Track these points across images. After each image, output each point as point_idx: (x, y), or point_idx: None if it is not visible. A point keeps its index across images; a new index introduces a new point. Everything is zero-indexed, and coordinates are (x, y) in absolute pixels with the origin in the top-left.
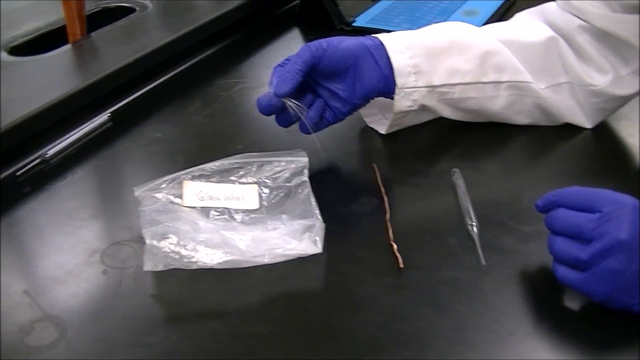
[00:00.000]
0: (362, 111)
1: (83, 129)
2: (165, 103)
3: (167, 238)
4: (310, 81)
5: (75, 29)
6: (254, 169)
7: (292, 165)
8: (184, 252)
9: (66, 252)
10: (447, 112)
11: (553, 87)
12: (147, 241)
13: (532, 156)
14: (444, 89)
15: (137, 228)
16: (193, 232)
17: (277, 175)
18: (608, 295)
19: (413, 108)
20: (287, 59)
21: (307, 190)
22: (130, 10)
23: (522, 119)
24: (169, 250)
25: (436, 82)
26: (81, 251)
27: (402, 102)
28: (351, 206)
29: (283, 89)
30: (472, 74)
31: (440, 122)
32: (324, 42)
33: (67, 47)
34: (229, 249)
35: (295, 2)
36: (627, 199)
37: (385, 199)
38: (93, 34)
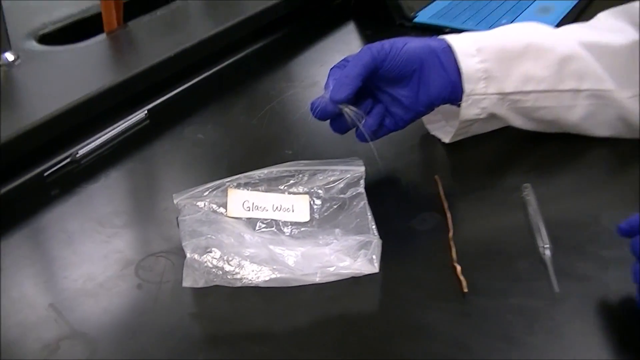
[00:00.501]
0: (425, 117)
1: (118, 127)
2: (208, 101)
3: (210, 252)
4: (370, 85)
5: (111, 17)
6: (305, 177)
7: (348, 175)
8: (227, 267)
9: (97, 263)
10: (519, 122)
11: (638, 97)
12: (188, 254)
13: (613, 172)
14: (517, 97)
15: (176, 239)
16: (238, 245)
17: (331, 185)
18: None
19: (481, 116)
20: (345, 60)
21: (363, 202)
22: None
23: (602, 131)
24: (211, 265)
25: (508, 89)
26: (114, 262)
27: (470, 109)
28: (411, 222)
29: (340, 94)
30: (549, 81)
31: (510, 132)
32: (386, 43)
33: (102, 37)
34: (277, 265)
35: None
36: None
37: (449, 215)
38: (130, 24)
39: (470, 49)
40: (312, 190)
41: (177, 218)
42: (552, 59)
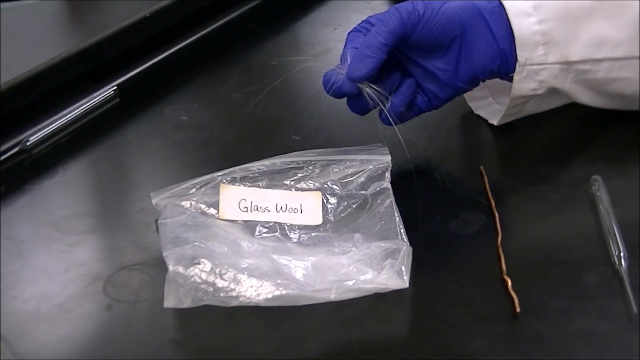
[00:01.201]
0: (467, 93)
1: (79, 107)
2: (193, 74)
3: (198, 263)
4: (399, 55)
5: None
6: (316, 170)
7: (370, 166)
8: (220, 282)
9: (55, 279)
10: (586, 98)
11: None
12: (170, 267)
13: None
14: (585, 67)
15: (154, 248)
16: (233, 255)
17: (349, 179)
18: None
19: (538, 91)
20: (368, 22)
21: (390, 200)
22: None
23: None
24: (199, 281)
25: (574, 57)
26: (76, 278)
27: (524, 83)
28: (449, 224)
29: (359, 71)
30: (627, 44)
31: (575, 111)
32: (419, 3)
33: None
34: (282, 279)
35: None
36: None
37: (497, 215)
38: None
39: (525, 5)
40: (326, 185)
41: (156, 221)
42: (632, 16)
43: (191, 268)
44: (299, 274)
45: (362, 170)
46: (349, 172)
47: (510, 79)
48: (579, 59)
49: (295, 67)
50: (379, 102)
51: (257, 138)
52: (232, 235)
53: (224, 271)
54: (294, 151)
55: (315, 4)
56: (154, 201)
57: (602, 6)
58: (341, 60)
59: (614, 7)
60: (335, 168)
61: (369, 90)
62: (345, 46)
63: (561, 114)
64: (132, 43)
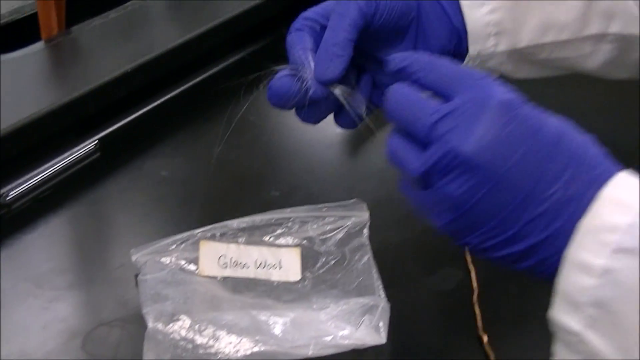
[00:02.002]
0: None
1: (60, 161)
2: (174, 128)
3: (177, 320)
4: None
5: (50, 20)
6: (295, 226)
7: (348, 223)
8: (199, 339)
9: (34, 335)
10: (524, 73)
11: None
12: (150, 323)
13: None
14: (530, 50)
15: (134, 304)
16: (213, 311)
17: (328, 235)
18: (449, 229)
19: None
20: (310, 19)
21: (368, 257)
22: None
23: (620, 75)
24: (178, 337)
25: (522, 44)
26: (55, 334)
27: None
28: (427, 280)
29: (332, 72)
30: (572, 27)
31: None
32: None
33: (39, 45)
34: (261, 335)
35: None
36: (495, 90)
37: (473, 271)
38: (75, 29)
39: None
40: (304, 241)
41: (136, 277)
42: None
43: (171, 324)
44: (277, 330)
45: (340, 227)
46: (328, 228)
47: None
48: (526, 45)
49: (275, 122)
50: (354, 107)
51: (237, 193)
52: (212, 292)
53: (203, 327)
54: (274, 206)
55: None
56: (133, 258)
57: None
58: (290, 63)
59: None
60: (314, 224)
61: (339, 92)
62: (293, 48)
63: None
64: (114, 97)
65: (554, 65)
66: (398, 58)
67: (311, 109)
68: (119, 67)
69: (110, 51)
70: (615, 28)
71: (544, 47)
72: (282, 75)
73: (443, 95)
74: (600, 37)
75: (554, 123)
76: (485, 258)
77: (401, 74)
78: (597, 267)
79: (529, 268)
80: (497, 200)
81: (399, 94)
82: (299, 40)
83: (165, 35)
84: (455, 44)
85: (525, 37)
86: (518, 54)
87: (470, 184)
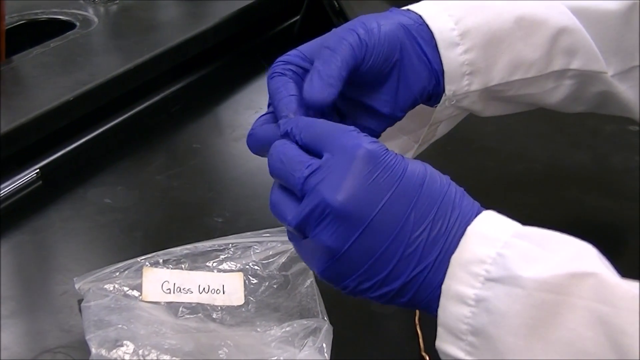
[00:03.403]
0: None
1: (1, 191)
2: (117, 157)
3: (121, 345)
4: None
5: None
6: (238, 251)
7: (290, 247)
8: None
9: None
10: (491, 110)
11: (622, 74)
12: (93, 350)
13: None
14: (499, 88)
15: (78, 330)
16: (156, 336)
17: (270, 260)
18: (327, 274)
19: (453, 114)
20: (289, 63)
21: (310, 280)
22: (68, 26)
23: (574, 108)
24: None
25: (493, 82)
26: None
27: (445, 111)
28: (369, 304)
29: (326, 96)
30: (538, 64)
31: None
32: (359, 27)
33: None
34: (204, 358)
35: (293, 20)
36: (359, 142)
37: None
38: (15, 58)
39: (452, 33)
40: (247, 266)
41: (79, 304)
42: (545, 35)
43: (114, 350)
44: (221, 354)
45: (283, 251)
46: (270, 253)
47: (429, 104)
48: (497, 83)
49: (218, 149)
50: None
51: (181, 220)
52: (155, 317)
53: (146, 352)
54: (217, 233)
55: (237, 88)
56: (77, 286)
57: (521, 26)
58: (278, 112)
59: (530, 25)
60: (257, 249)
61: None
62: (277, 94)
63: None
64: (56, 126)
65: (520, 102)
66: (282, 123)
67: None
68: (60, 96)
69: (51, 80)
70: (576, 64)
71: (512, 84)
72: (263, 122)
73: (316, 151)
74: (562, 73)
75: (417, 168)
76: (364, 298)
77: (286, 137)
78: (471, 296)
79: (407, 303)
80: (367, 245)
81: (278, 150)
82: (283, 86)
83: (106, 64)
84: (434, 84)
85: (497, 76)
86: (488, 92)
87: (341, 231)
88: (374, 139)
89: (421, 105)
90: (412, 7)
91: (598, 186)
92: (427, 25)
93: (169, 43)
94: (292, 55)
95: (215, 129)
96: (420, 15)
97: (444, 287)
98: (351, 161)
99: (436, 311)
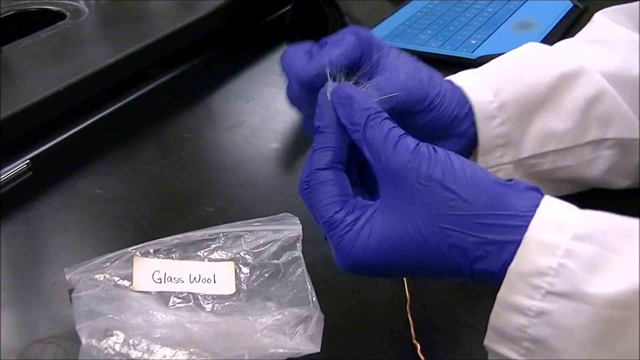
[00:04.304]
0: None
1: None
2: (108, 147)
3: (111, 335)
4: None
5: None
6: (229, 241)
7: (281, 236)
8: (133, 353)
9: None
10: None
11: None
12: (84, 340)
13: None
14: (533, 161)
15: (68, 320)
16: (147, 326)
17: (261, 249)
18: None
19: None
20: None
21: (302, 269)
22: (59, 17)
23: (620, 183)
24: (113, 352)
25: (525, 154)
26: None
27: None
28: (360, 291)
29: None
30: (571, 135)
31: None
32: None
33: None
34: (195, 347)
35: (284, 10)
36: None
37: (405, 281)
38: (5, 48)
39: (491, 106)
40: (238, 255)
41: (70, 294)
42: (577, 104)
43: (104, 340)
44: (212, 342)
45: (273, 240)
46: (261, 242)
47: None
48: (529, 155)
49: (209, 139)
50: None
51: (171, 210)
52: (146, 307)
53: (137, 342)
54: (208, 222)
55: (228, 78)
56: (67, 276)
57: (550, 97)
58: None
59: (560, 96)
60: (248, 238)
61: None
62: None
63: None
64: (46, 117)
65: (559, 177)
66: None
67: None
68: (50, 87)
69: (42, 71)
70: (612, 133)
71: (546, 156)
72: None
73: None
74: (599, 143)
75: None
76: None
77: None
78: (530, 308)
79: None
80: None
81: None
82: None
83: (97, 55)
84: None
85: (528, 147)
86: (523, 167)
87: None
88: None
89: None
90: (453, 77)
91: None
92: (467, 100)
93: (160, 33)
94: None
95: (207, 118)
96: (460, 88)
97: (499, 295)
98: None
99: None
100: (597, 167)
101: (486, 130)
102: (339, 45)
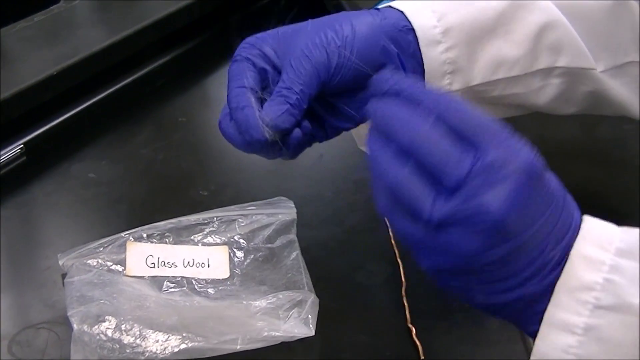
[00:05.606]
0: (354, 132)
1: None
2: (101, 131)
3: (103, 321)
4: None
5: None
6: (223, 225)
7: (276, 220)
8: (126, 339)
9: None
10: None
11: (613, 70)
12: (75, 326)
13: None
14: (482, 88)
15: (61, 305)
16: (139, 311)
17: (255, 233)
18: (438, 273)
19: None
20: (255, 47)
21: (296, 253)
22: (52, 0)
23: (570, 110)
24: (105, 338)
25: (475, 81)
26: None
27: None
28: (355, 275)
29: (287, 122)
30: (522, 62)
31: None
32: (330, 44)
33: None
34: (188, 332)
35: None
36: (527, 153)
37: (401, 265)
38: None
39: (434, 31)
40: (232, 239)
41: (63, 279)
42: (528, 32)
43: (96, 326)
44: (205, 326)
45: (268, 224)
46: (256, 226)
47: None
48: (479, 82)
49: (202, 122)
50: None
51: (166, 194)
52: (139, 291)
53: (129, 327)
54: (202, 206)
55: (222, 61)
56: (61, 262)
57: (502, 22)
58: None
59: (511, 21)
60: (242, 222)
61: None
62: (232, 82)
63: None
64: (39, 101)
65: (507, 103)
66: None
67: (266, 151)
68: (44, 70)
69: (35, 54)
70: (563, 62)
71: (496, 84)
72: (223, 116)
73: (468, 139)
74: (548, 72)
75: (559, 189)
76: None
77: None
78: (579, 325)
79: (502, 315)
80: (503, 259)
81: (423, 128)
82: (242, 73)
83: (91, 38)
84: None
85: (478, 75)
86: (471, 93)
87: (488, 243)
88: (532, 149)
89: None
90: (394, 3)
91: (586, 155)
92: (413, 31)
93: (154, 16)
94: (260, 38)
95: (201, 102)
96: (402, 12)
97: (547, 314)
98: (519, 173)
99: (530, 328)
100: (545, 94)
101: (431, 56)
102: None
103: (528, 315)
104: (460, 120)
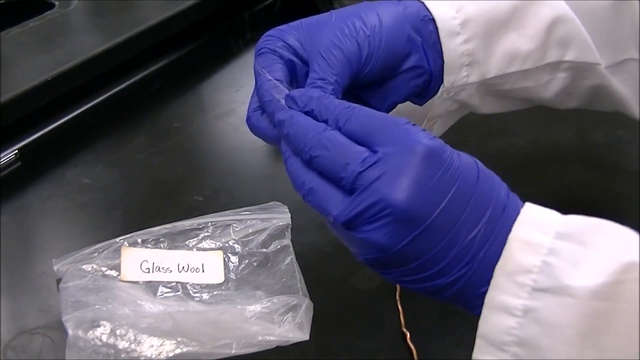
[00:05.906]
0: None
1: None
2: (96, 136)
3: (98, 326)
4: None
5: None
6: (218, 230)
7: (270, 225)
8: (121, 344)
9: None
10: (487, 107)
11: (614, 67)
12: (70, 331)
13: None
14: (496, 81)
15: (56, 310)
16: (134, 316)
17: (250, 238)
18: (371, 264)
19: (450, 108)
20: (274, 36)
21: (291, 258)
22: (47, 6)
23: (569, 104)
24: (100, 343)
25: (491, 74)
26: None
27: (443, 104)
28: (350, 280)
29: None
30: (534, 56)
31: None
32: (361, 37)
33: None
34: (183, 337)
35: None
36: (419, 138)
37: None
38: None
39: (454, 22)
40: (227, 244)
41: (58, 284)
42: (540, 26)
43: (91, 331)
44: (200, 331)
45: (262, 229)
46: (250, 231)
47: (418, 102)
48: (494, 75)
49: (197, 127)
50: None
51: (161, 199)
52: (133, 297)
53: (124, 332)
54: (197, 211)
55: (217, 66)
56: (55, 267)
57: (514, 16)
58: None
59: (524, 14)
60: (237, 227)
61: None
62: (260, 77)
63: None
64: (34, 107)
65: (515, 97)
66: (316, 104)
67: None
68: (39, 76)
69: (30, 60)
70: (570, 55)
71: (509, 77)
72: (252, 111)
73: (364, 143)
74: (556, 65)
75: (471, 164)
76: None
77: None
78: (518, 307)
79: (447, 298)
80: (421, 244)
81: (323, 136)
82: (271, 65)
83: (85, 44)
84: (423, 83)
85: (494, 68)
86: (485, 86)
87: (396, 231)
88: (431, 134)
89: (414, 105)
90: None
91: (580, 160)
92: (433, 21)
93: (150, 21)
94: (284, 30)
95: (196, 107)
96: (421, 2)
97: (487, 297)
98: (412, 158)
99: (475, 310)
100: (551, 88)
101: (450, 47)
102: None
103: (471, 297)
104: (359, 126)
